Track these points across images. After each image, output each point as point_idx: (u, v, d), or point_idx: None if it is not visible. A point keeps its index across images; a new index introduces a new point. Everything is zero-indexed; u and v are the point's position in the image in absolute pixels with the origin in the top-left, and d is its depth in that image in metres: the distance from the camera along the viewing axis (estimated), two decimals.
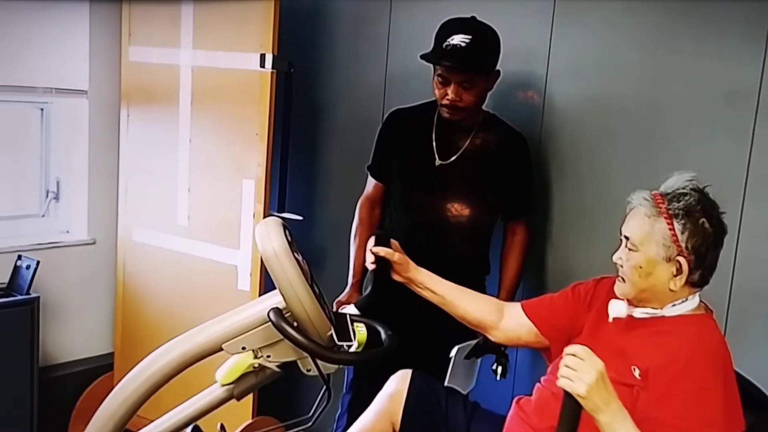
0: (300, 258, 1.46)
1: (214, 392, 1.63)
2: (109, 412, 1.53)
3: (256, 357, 1.52)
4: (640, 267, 1.62)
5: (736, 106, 2.18)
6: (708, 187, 1.67)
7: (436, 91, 2.32)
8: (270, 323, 1.42)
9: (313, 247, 3.10)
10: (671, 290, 1.61)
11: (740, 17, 2.15)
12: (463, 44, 2.22)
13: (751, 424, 1.56)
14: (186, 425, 1.66)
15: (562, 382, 1.46)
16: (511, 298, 2.43)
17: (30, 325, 2.80)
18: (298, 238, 1.51)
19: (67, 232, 3.20)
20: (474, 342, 2.16)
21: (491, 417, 1.98)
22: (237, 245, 2.80)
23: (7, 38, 2.90)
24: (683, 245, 1.58)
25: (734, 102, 2.19)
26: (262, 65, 2.67)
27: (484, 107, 2.43)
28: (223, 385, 1.58)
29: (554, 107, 2.52)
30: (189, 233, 2.95)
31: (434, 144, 2.41)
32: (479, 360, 2.30)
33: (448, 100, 2.28)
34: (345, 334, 1.50)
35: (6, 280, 2.85)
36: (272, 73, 2.68)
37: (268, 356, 1.51)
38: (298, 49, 2.99)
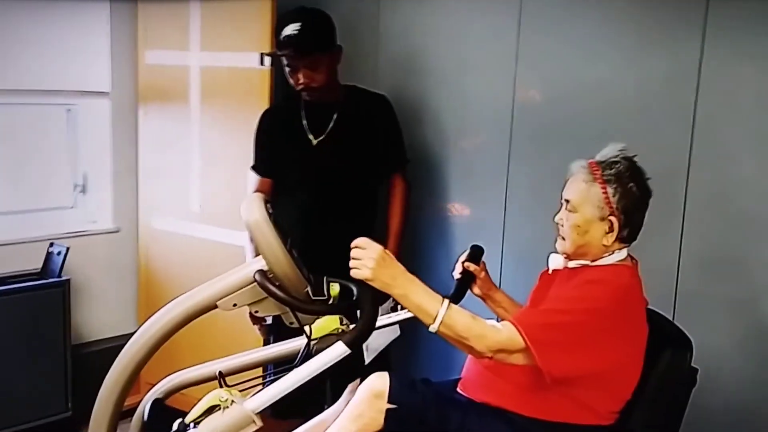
0: (279, 227, 1.71)
1: (300, 341, 1.89)
2: (124, 362, 1.78)
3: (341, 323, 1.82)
4: (578, 226, 1.83)
5: (678, 90, 2.34)
6: (650, 177, 1.84)
7: (290, 80, 2.52)
8: (255, 283, 1.67)
9: None
10: (604, 245, 1.83)
11: (679, 4, 2.31)
12: (295, 32, 2.43)
13: (667, 361, 1.77)
14: (267, 362, 1.99)
15: (352, 273, 1.65)
16: (397, 244, 2.61)
17: (62, 305, 3.03)
18: None
19: (94, 221, 3.42)
20: None
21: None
22: (244, 228, 3.01)
23: (38, 45, 3.12)
24: (614, 206, 1.80)
25: (676, 86, 2.35)
26: (261, 63, 2.85)
27: (344, 83, 2.61)
28: (311, 339, 1.82)
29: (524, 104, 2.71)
30: (201, 219, 3.16)
31: (305, 124, 2.60)
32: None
33: (301, 84, 2.49)
34: (320, 292, 1.74)
35: (40, 265, 3.06)
36: (271, 70, 2.86)
37: (256, 311, 1.76)
38: None
